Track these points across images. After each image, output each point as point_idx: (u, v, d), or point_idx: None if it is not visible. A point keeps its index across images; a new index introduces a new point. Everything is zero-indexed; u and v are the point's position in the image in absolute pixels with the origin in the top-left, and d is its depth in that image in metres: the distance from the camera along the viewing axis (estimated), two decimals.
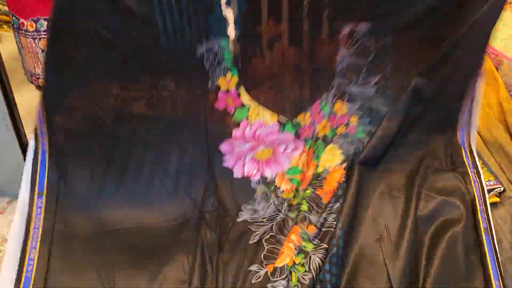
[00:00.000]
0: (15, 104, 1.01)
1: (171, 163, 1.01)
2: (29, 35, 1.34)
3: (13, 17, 1.34)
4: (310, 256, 0.97)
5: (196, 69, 0.96)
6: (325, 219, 0.96)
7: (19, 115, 1.03)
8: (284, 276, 0.94)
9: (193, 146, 1.02)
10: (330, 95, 1.05)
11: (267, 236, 0.98)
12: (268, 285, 0.92)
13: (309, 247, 0.96)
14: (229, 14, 0.92)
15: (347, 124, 1.06)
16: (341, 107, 1.06)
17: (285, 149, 1.06)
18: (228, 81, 0.98)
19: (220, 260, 0.95)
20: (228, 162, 1.04)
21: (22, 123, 1.04)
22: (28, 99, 1.12)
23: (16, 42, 1.40)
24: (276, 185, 1.06)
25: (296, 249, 0.94)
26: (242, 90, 1.00)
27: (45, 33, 1.39)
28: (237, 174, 1.05)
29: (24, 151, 1.03)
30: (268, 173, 1.06)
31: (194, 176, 1.02)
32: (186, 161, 1.01)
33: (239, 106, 1.01)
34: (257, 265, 0.94)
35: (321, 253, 0.93)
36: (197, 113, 1.00)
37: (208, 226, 0.99)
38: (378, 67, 1.02)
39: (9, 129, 1.00)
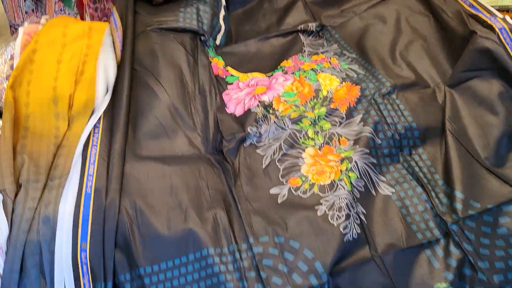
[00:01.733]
0: None
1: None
2: None
3: None
4: (356, 162, 0.90)
5: None
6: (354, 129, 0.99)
7: None
8: (334, 189, 0.89)
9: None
10: (306, 53, 1.21)
11: (279, 157, 0.97)
12: (321, 200, 0.88)
13: (350, 152, 0.95)
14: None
15: (329, 62, 1.16)
16: (319, 56, 1.19)
17: (276, 80, 1.11)
18: (216, 62, 1.21)
19: (240, 188, 0.92)
20: (230, 109, 1.08)
21: None
22: None
23: None
24: (274, 108, 1.05)
25: (338, 162, 0.93)
26: (229, 68, 1.20)
27: None
28: (239, 113, 1.06)
29: None
30: (265, 98, 1.07)
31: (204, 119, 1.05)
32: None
33: (229, 75, 1.17)
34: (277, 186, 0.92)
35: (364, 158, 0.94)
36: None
37: (219, 155, 0.99)
38: (332, 44, 1.25)
39: None
